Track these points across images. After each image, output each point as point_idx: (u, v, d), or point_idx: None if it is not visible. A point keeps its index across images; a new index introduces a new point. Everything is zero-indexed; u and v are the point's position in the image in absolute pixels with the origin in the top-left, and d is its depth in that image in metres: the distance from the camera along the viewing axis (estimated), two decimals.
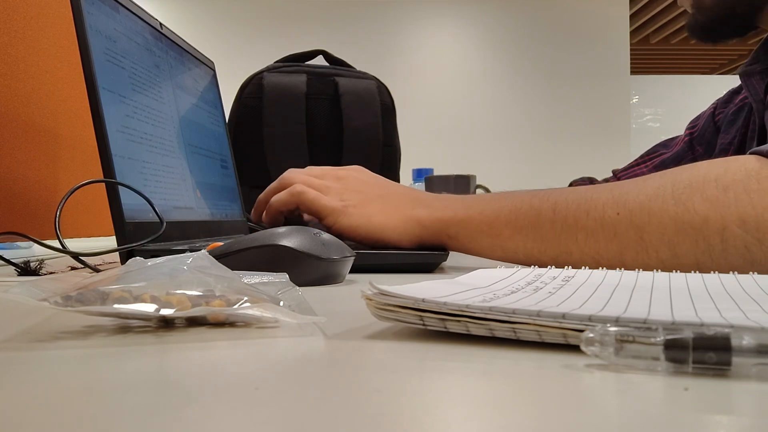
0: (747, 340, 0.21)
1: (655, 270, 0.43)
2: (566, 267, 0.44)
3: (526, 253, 0.56)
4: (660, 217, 0.49)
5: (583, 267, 0.44)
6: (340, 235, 0.59)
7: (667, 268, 0.45)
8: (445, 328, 0.26)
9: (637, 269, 0.43)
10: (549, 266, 0.44)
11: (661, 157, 1.02)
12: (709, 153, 0.96)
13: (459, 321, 0.26)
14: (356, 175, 0.67)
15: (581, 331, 0.23)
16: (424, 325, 0.27)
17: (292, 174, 0.67)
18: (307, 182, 0.65)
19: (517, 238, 0.55)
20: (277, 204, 0.66)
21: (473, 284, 0.34)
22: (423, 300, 0.26)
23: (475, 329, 0.26)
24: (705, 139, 0.98)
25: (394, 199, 0.62)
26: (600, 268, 0.44)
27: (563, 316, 0.24)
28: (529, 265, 0.45)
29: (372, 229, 0.60)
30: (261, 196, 0.70)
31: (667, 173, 0.52)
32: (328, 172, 0.67)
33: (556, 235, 0.53)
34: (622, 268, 0.44)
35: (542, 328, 0.25)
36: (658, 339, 0.21)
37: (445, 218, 0.59)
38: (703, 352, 0.21)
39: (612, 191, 0.52)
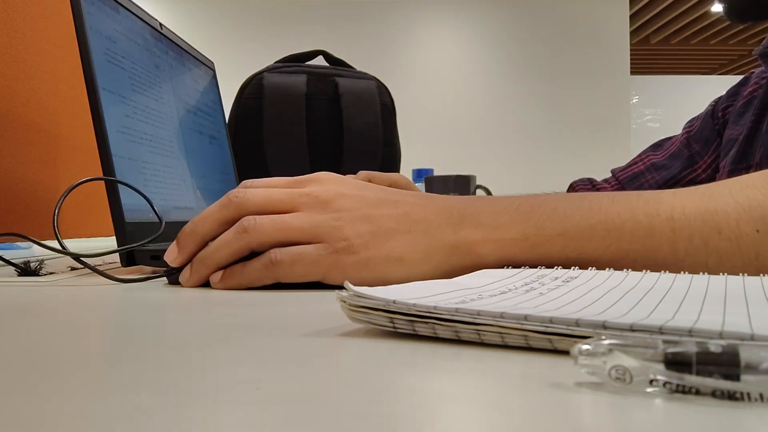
0: (759, 355, 0.17)
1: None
2: (572, 268, 0.39)
3: None
4: None
5: None
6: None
7: None
8: (414, 330, 0.25)
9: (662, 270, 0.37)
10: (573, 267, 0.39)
11: (652, 160, 1.04)
12: (706, 150, 0.99)
13: (427, 323, 0.25)
14: (341, 189, 0.43)
15: (544, 333, 0.23)
16: (394, 327, 0.26)
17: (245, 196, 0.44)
18: (266, 205, 0.43)
19: (622, 265, 0.39)
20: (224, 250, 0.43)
21: (467, 284, 0.32)
22: (394, 301, 0.25)
23: (442, 332, 0.25)
24: (703, 137, 1.00)
25: (417, 217, 0.42)
26: None
27: (525, 317, 0.23)
28: None
29: (396, 274, 0.40)
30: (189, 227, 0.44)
31: None
32: (294, 189, 0.44)
33: (678, 259, 0.39)
34: None
35: (505, 330, 0.24)
36: (657, 351, 0.18)
37: (514, 242, 0.41)
38: (708, 371, 0.17)
39: (736, 197, 0.39)
